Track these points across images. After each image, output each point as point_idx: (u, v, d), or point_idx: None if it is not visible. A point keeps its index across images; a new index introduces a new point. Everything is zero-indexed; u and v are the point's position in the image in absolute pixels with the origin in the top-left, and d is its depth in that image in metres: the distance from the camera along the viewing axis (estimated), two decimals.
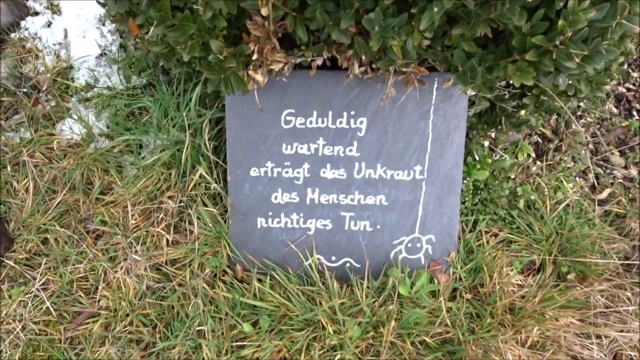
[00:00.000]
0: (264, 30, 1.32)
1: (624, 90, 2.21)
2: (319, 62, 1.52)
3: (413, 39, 1.28)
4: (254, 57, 1.39)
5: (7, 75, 2.06)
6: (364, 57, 1.43)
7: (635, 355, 1.65)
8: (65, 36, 2.19)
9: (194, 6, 1.23)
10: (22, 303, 1.72)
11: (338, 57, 1.49)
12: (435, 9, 1.16)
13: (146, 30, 1.55)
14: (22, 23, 2.20)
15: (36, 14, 2.25)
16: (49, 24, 2.22)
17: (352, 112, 1.68)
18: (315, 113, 1.69)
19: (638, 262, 1.81)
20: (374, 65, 1.50)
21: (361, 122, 1.69)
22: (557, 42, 1.20)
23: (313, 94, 1.67)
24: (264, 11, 1.24)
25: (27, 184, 1.88)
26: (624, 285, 1.77)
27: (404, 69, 1.42)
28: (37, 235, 1.81)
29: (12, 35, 2.17)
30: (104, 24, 2.24)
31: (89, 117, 2.01)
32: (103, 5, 1.66)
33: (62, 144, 1.96)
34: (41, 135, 1.97)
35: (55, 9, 2.26)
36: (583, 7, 1.16)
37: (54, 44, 2.18)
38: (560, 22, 1.17)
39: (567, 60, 1.21)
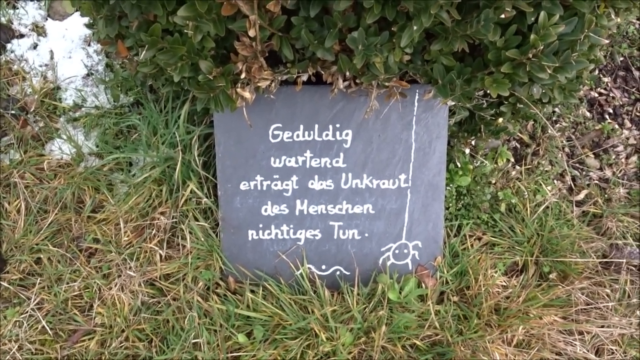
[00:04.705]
0: (252, 50, 1.37)
1: (596, 95, 2.31)
2: (304, 78, 1.58)
3: (394, 55, 1.35)
4: (242, 75, 1.44)
5: None
6: (347, 73, 1.49)
7: (616, 349, 1.73)
8: (52, 57, 2.22)
9: (184, 30, 1.28)
10: (18, 323, 1.73)
11: (323, 73, 1.55)
12: (415, 27, 1.22)
13: (135, 52, 1.60)
14: (8, 46, 2.22)
15: (22, 36, 2.27)
16: (35, 46, 2.25)
17: (338, 125, 1.74)
18: (301, 127, 1.74)
19: (616, 260, 1.89)
20: (357, 80, 1.56)
21: (347, 134, 1.75)
22: (530, 55, 1.27)
23: (299, 109, 1.72)
24: (251, 32, 1.29)
25: (19, 204, 1.89)
26: (603, 282, 1.85)
27: (386, 83, 1.48)
28: (30, 255, 1.83)
29: None
30: (89, 45, 2.27)
31: (78, 137, 2.04)
32: (90, 27, 1.70)
33: (52, 164, 1.98)
34: (31, 156, 1.99)
35: (40, 31, 2.29)
36: (553, 22, 1.23)
37: (41, 66, 2.20)
38: (532, 36, 1.24)
39: (540, 72, 1.29)
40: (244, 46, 1.37)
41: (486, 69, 1.39)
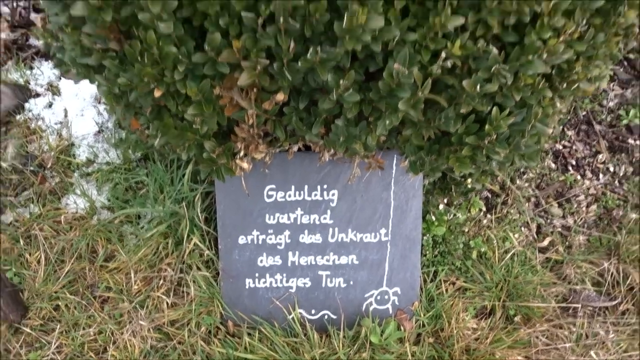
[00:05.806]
0: (249, 134, 1.60)
1: (561, 147, 2.54)
2: (295, 148, 1.80)
3: (372, 138, 1.57)
4: (241, 153, 1.66)
5: (15, 155, 2.30)
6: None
7: None
8: (65, 115, 2.43)
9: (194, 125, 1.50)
10: None
11: (311, 145, 1.78)
12: (387, 121, 1.45)
13: (146, 126, 1.81)
14: (26, 105, 2.43)
15: (37, 95, 2.49)
16: (50, 105, 2.46)
17: (325, 186, 1.96)
18: (293, 187, 1.97)
19: (573, 305, 2.11)
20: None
21: (333, 194, 1.97)
22: (486, 141, 1.50)
23: (291, 172, 1.95)
24: (249, 121, 1.51)
25: (39, 255, 2.10)
26: (562, 324, 2.07)
27: (365, 160, 1.71)
28: (50, 302, 2.03)
29: (17, 117, 2.41)
30: (99, 102, 2.49)
31: (91, 191, 2.25)
32: (110, 111, 1.91)
33: (68, 217, 2.19)
34: (48, 210, 2.20)
35: (54, 90, 2.51)
36: (504, 115, 1.46)
37: (56, 123, 2.42)
38: (487, 127, 1.47)
39: (495, 154, 1.51)
40: (242, 130, 1.60)
41: (452, 147, 1.62)
